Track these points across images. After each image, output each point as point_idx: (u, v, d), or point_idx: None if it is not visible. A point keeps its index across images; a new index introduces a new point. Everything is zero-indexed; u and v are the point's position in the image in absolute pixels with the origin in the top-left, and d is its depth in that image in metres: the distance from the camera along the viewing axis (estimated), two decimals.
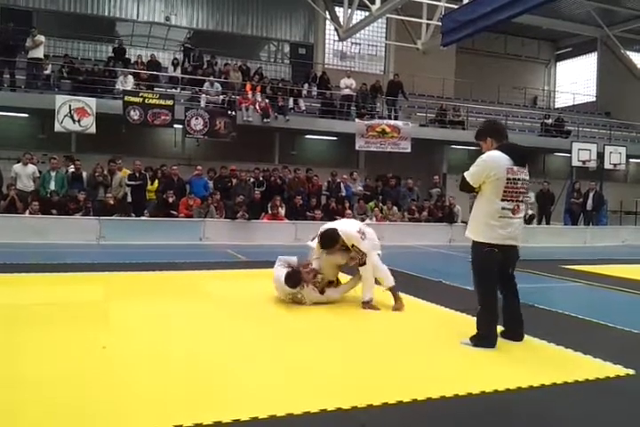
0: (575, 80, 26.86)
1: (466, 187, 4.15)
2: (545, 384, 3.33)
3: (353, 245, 5.22)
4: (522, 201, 4.08)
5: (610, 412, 3.01)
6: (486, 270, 4.08)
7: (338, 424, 2.73)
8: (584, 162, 17.35)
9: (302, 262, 5.53)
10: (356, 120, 16.70)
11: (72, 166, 12.31)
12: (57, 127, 13.59)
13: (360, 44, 22.00)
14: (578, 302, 6.65)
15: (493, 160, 4.03)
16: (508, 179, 3.98)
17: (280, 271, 5.43)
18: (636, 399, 3.23)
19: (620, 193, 20.08)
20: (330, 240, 5.28)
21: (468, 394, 3.13)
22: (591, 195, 15.76)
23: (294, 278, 5.29)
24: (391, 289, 5.38)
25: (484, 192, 4.07)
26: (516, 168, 4.01)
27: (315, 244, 5.49)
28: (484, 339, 4.07)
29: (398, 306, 5.32)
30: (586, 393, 3.28)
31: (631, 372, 3.60)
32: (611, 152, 17.79)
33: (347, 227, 5.36)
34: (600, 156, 17.54)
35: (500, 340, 4.13)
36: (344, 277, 5.87)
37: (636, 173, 22.72)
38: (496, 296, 4.13)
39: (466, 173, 4.13)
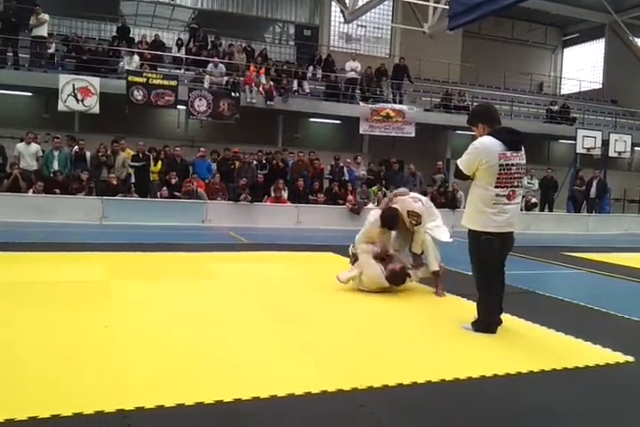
0: (582, 67, 26.62)
1: (460, 175, 4.08)
2: (545, 370, 3.35)
3: (409, 211, 5.30)
4: (517, 186, 3.96)
5: (609, 398, 3.03)
6: (487, 259, 4.03)
7: (338, 405, 2.75)
8: (588, 149, 17.27)
9: (381, 251, 5.49)
10: (361, 104, 16.60)
11: (76, 146, 12.28)
12: (60, 106, 13.55)
13: (366, 27, 21.79)
14: (579, 289, 6.66)
15: (485, 146, 3.91)
16: (500, 165, 3.85)
17: (374, 266, 5.33)
18: (635, 386, 3.25)
19: (623, 181, 20.03)
20: (392, 218, 5.32)
21: (468, 378, 3.15)
22: (595, 183, 15.70)
23: (401, 277, 5.32)
24: (435, 273, 5.43)
25: (478, 179, 3.98)
26: (509, 153, 3.87)
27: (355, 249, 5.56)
28: (485, 325, 4.07)
29: (439, 293, 5.40)
30: (585, 380, 3.30)
31: (630, 359, 3.62)
32: (616, 140, 17.70)
33: (403, 198, 5.46)
34: (605, 143, 17.45)
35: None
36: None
37: None
38: (498, 283, 4.09)
39: (459, 161, 4.05)
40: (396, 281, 5.29)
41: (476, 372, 3.23)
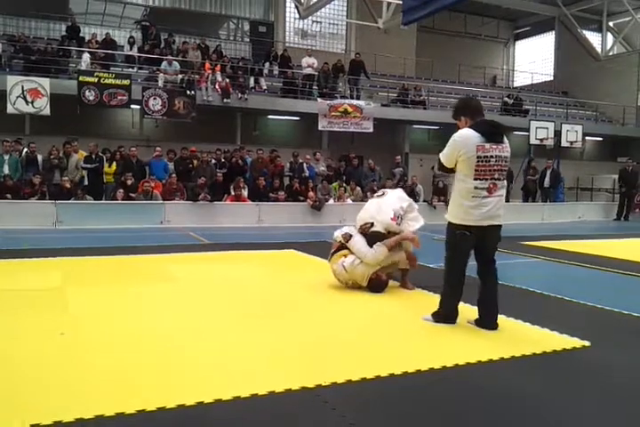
0: (533, 59, 27.19)
1: (442, 168, 4.09)
2: (504, 358, 3.41)
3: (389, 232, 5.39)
4: (499, 179, 3.94)
5: (567, 383, 3.10)
6: (457, 253, 4.04)
7: (302, 403, 2.75)
8: (541, 140, 17.67)
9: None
10: (319, 100, 16.59)
11: (26, 149, 11.94)
12: (9, 109, 13.15)
13: (321, 23, 21.77)
14: (536, 277, 6.81)
15: (463, 138, 3.91)
16: (478, 157, 3.84)
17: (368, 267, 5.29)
18: (591, 371, 3.33)
19: (576, 170, 20.57)
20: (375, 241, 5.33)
21: (430, 369, 3.18)
22: (548, 172, 16.10)
23: (382, 287, 5.34)
24: (403, 269, 5.52)
25: (458, 172, 3.98)
26: (487, 145, 3.87)
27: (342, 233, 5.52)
28: (445, 316, 4.12)
29: (409, 287, 5.49)
30: (544, 366, 3.37)
31: (587, 344, 3.72)
32: (567, 130, 18.15)
33: (384, 218, 5.40)
34: (557, 134, 17.88)
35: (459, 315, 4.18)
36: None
37: (591, 150, 23.24)
38: (463, 278, 4.08)
39: (440, 154, 4.05)
40: (375, 289, 5.31)
41: (437, 362, 3.26)
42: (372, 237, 5.32)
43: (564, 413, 2.72)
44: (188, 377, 3.02)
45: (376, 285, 5.30)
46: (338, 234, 5.59)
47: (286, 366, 3.25)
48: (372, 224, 5.39)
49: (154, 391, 2.80)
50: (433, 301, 4.92)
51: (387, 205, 5.51)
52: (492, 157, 3.88)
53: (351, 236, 5.43)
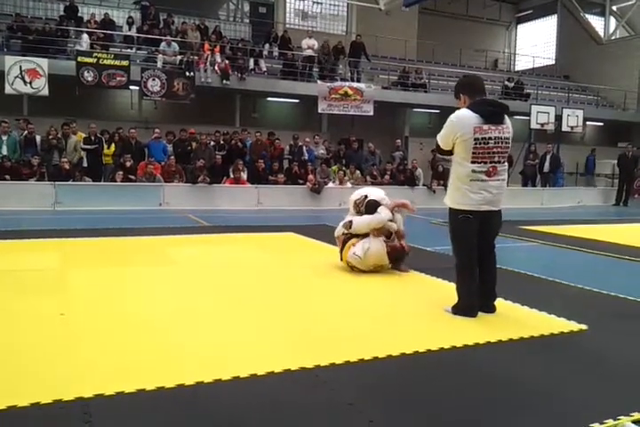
0: (535, 43, 26.97)
1: (439, 150, 3.95)
2: (502, 340, 3.43)
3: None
4: (499, 162, 3.76)
5: (564, 366, 3.12)
6: (462, 238, 3.90)
7: (300, 383, 2.76)
8: (542, 124, 17.59)
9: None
10: (319, 82, 16.47)
11: (25, 131, 11.88)
12: (7, 89, 13.05)
13: (322, 4, 21.54)
14: (534, 261, 6.83)
15: (459, 119, 3.72)
16: (476, 139, 3.66)
17: (381, 241, 5.28)
18: (589, 354, 3.34)
19: (576, 155, 20.50)
20: (375, 208, 5.39)
21: (428, 351, 3.20)
22: (548, 157, 16.06)
23: (403, 255, 5.39)
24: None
25: (456, 154, 3.82)
26: (486, 126, 3.67)
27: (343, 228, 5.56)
28: (463, 308, 3.93)
29: (403, 268, 5.49)
30: (542, 349, 3.38)
31: (584, 327, 3.73)
32: (568, 115, 18.06)
33: (377, 194, 5.57)
34: (558, 118, 17.79)
35: None
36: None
37: (592, 135, 23.16)
38: (475, 265, 3.94)
39: (437, 136, 3.89)
40: (399, 258, 5.36)
41: (435, 344, 3.28)
42: (368, 207, 5.38)
43: (563, 396, 2.72)
44: (188, 358, 3.04)
45: (397, 256, 5.33)
46: (339, 229, 5.63)
47: (285, 346, 3.26)
48: (366, 196, 5.48)
49: (153, 371, 2.82)
50: (427, 282, 4.99)
51: (376, 189, 5.80)
52: (490, 138, 3.70)
53: (351, 221, 5.44)
